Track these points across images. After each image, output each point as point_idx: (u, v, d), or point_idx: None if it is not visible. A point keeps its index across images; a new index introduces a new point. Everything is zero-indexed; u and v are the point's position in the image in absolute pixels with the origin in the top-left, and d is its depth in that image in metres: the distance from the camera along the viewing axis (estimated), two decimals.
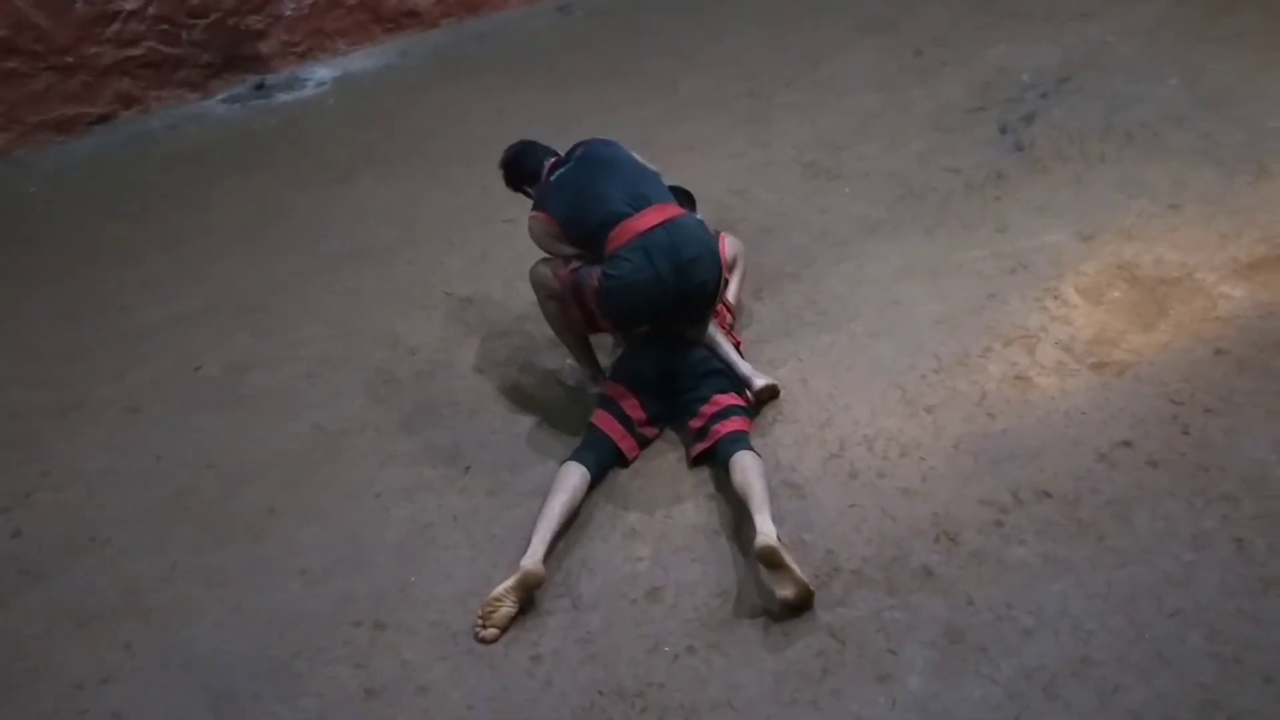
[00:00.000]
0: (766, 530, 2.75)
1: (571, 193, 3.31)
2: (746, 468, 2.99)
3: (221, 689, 2.77)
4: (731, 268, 3.76)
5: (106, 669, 2.86)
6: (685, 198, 4.01)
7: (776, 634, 2.69)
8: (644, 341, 3.44)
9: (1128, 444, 3.06)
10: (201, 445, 3.62)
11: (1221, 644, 2.49)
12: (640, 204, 3.21)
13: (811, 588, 2.71)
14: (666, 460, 3.29)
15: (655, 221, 3.17)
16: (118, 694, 2.79)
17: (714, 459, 3.17)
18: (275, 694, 2.73)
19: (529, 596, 2.84)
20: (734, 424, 3.19)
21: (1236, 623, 2.53)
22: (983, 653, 2.56)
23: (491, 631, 2.78)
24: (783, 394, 3.39)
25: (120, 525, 3.34)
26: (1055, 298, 3.65)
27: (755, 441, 3.17)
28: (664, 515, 3.09)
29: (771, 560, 2.70)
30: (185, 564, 3.17)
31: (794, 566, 2.69)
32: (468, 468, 3.36)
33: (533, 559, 2.85)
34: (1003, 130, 4.69)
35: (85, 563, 3.22)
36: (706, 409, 3.24)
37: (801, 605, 2.70)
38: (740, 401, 3.28)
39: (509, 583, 2.81)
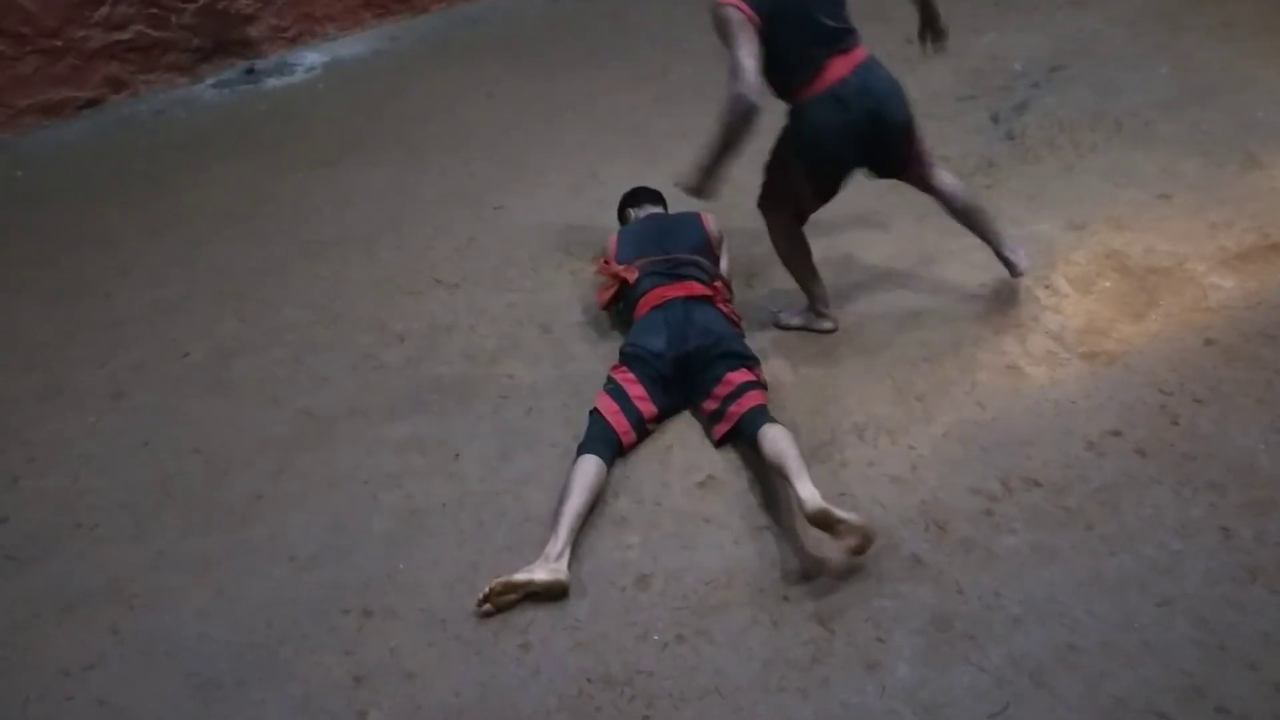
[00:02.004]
0: (810, 495, 2.74)
1: (781, 6, 3.12)
2: (776, 438, 2.98)
3: (207, 676, 2.75)
4: (719, 244, 3.80)
5: (92, 655, 2.85)
6: (655, 198, 4.02)
7: (765, 622, 2.69)
8: (653, 326, 3.40)
9: (1117, 433, 3.07)
10: (187, 431, 3.60)
11: (1207, 632, 2.50)
12: (836, 46, 3.18)
13: (871, 527, 2.72)
14: (656, 448, 3.28)
15: (849, 68, 3.18)
16: (103, 680, 2.78)
17: (739, 437, 3.17)
18: (261, 681, 2.72)
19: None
20: (750, 400, 3.18)
21: (1222, 611, 2.54)
22: (971, 640, 2.56)
23: (488, 609, 2.79)
24: (772, 382, 3.38)
25: (106, 511, 3.32)
26: (1045, 287, 3.65)
27: None
28: (653, 503, 3.09)
29: (825, 521, 2.70)
30: (171, 550, 3.15)
31: (847, 517, 2.70)
32: (456, 455, 3.35)
33: (564, 569, 2.84)
34: (994, 119, 4.69)
35: (71, 549, 3.20)
36: (719, 389, 3.24)
37: (865, 547, 2.73)
38: (752, 377, 3.27)
39: (541, 580, 2.79)
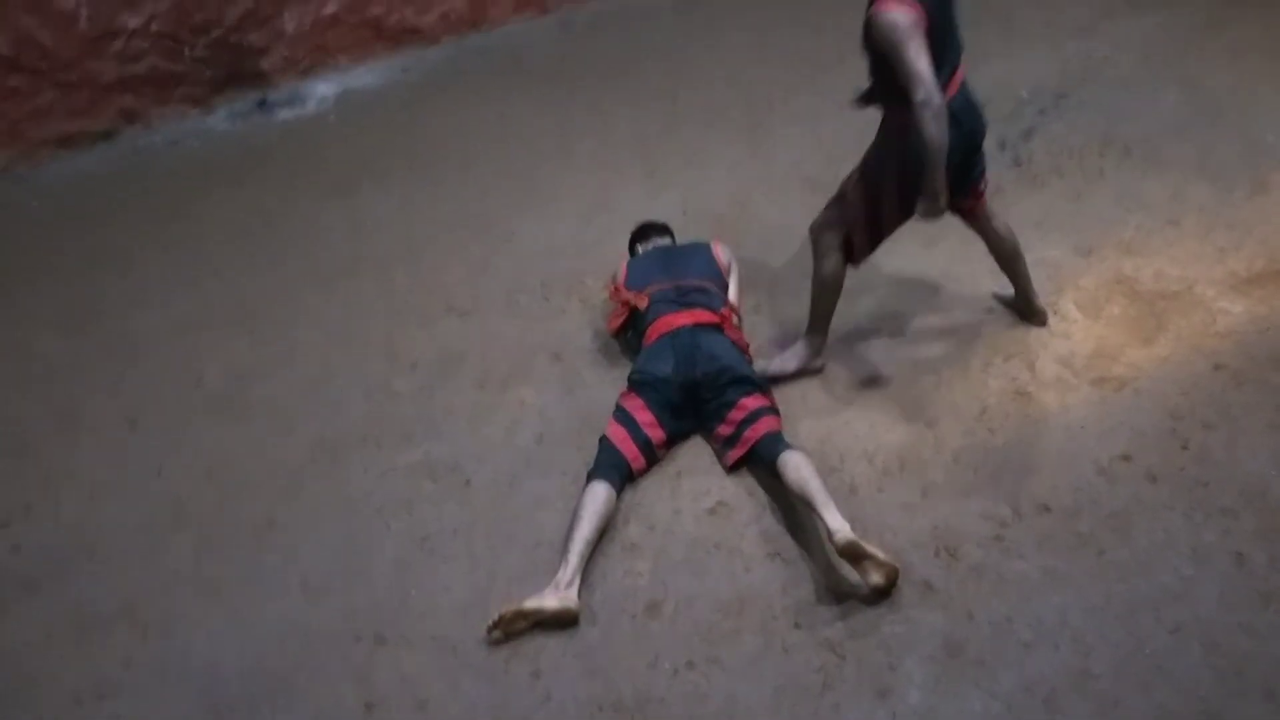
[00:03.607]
0: (840, 526, 2.77)
1: (944, 14, 3.06)
2: (799, 466, 2.99)
3: (220, 701, 2.76)
4: (729, 271, 3.81)
5: (106, 681, 2.86)
6: (663, 231, 4.05)
7: (776, 648, 2.69)
8: (661, 353, 3.40)
9: (1127, 458, 3.07)
10: (200, 457, 3.62)
11: (1221, 657, 2.49)
12: (958, 62, 3.18)
13: (898, 566, 2.74)
14: (666, 474, 3.29)
15: (959, 85, 3.18)
16: (117, 705, 2.79)
17: (756, 461, 3.19)
18: (273, 707, 2.73)
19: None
20: (765, 425, 3.20)
21: (1236, 637, 2.54)
22: (982, 666, 2.56)
23: (498, 635, 2.80)
24: (783, 408, 3.38)
25: (120, 537, 3.34)
26: (1054, 312, 3.65)
27: None
28: (663, 529, 3.09)
29: (855, 553, 2.72)
30: (184, 575, 3.17)
31: (877, 552, 2.71)
32: (467, 481, 3.37)
33: (574, 597, 2.85)
34: (1001, 146, 4.70)
35: (85, 573, 3.22)
36: (733, 414, 3.25)
37: (891, 585, 2.74)
38: (767, 402, 3.28)
39: (551, 608, 2.80)
